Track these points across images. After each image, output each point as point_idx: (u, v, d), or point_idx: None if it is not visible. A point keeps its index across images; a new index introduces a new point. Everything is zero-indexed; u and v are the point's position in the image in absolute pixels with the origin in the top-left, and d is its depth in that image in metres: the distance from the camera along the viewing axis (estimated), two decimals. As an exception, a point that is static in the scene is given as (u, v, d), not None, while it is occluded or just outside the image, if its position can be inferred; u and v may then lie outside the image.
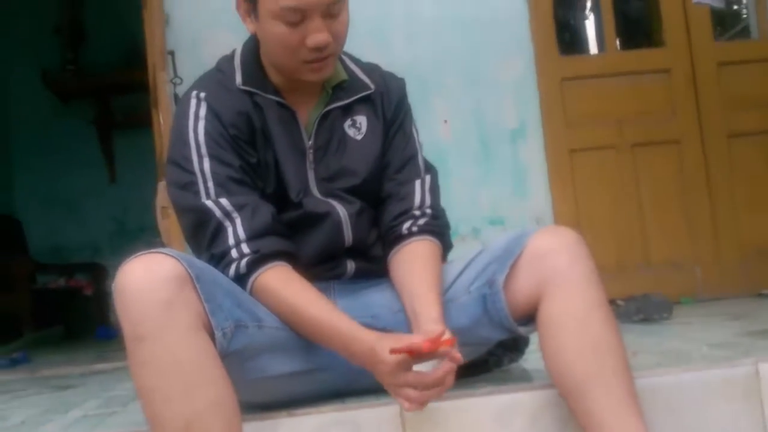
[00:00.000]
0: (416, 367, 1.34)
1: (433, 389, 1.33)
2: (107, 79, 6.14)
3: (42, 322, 5.30)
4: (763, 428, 1.52)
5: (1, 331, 4.87)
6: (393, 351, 1.30)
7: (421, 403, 1.35)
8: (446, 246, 1.63)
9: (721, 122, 3.42)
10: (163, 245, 2.86)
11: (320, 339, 1.42)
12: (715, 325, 2.35)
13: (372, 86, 1.65)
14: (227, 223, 1.48)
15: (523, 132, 3.37)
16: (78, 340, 5.10)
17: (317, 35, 1.45)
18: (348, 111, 1.63)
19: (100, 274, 6.03)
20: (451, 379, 1.33)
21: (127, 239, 6.46)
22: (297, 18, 1.45)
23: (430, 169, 1.68)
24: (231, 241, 1.47)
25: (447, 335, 1.33)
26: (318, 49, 1.47)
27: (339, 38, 1.51)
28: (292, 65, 1.52)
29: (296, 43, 1.47)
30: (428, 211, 1.61)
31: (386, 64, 1.76)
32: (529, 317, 1.46)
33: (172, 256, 1.25)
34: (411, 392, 1.33)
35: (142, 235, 6.27)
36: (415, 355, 1.31)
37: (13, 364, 3.52)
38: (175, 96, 2.94)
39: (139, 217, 6.31)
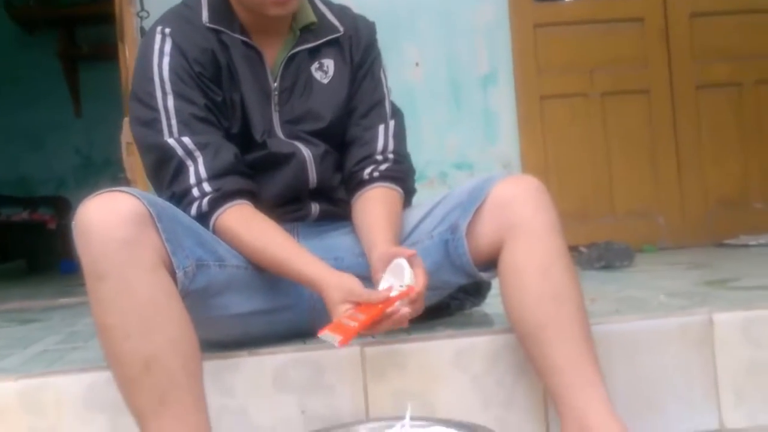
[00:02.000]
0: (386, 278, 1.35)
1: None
2: (73, 9, 5.99)
3: (4, 256, 5.26)
4: (713, 376, 1.56)
5: (-37, 263, 4.83)
6: (319, 333, 1.29)
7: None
8: (408, 191, 1.63)
9: (691, 73, 3.43)
10: (128, 181, 2.83)
11: (278, 273, 1.43)
12: (674, 274, 2.39)
13: (341, 29, 1.63)
14: (189, 162, 1.47)
15: (494, 77, 3.36)
16: (41, 274, 5.07)
17: None
18: (315, 54, 1.61)
19: (64, 208, 5.97)
20: (405, 318, 1.33)
21: (93, 173, 6.39)
22: None
23: (396, 113, 1.67)
24: (192, 179, 1.46)
25: (396, 292, 1.33)
26: None
27: None
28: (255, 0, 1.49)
29: None
30: (390, 156, 1.61)
31: (359, 6, 1.73)
32: (491, 263, 1.47)
33: (133, 195, 1.24)
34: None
35: (107, 169, 6.20)
36: (361, 329, 1.29)
37: (-26, 297, 3.49)
38: (142, 29, 2.88)
39: (104, 151, 6.22)
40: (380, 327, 1.32)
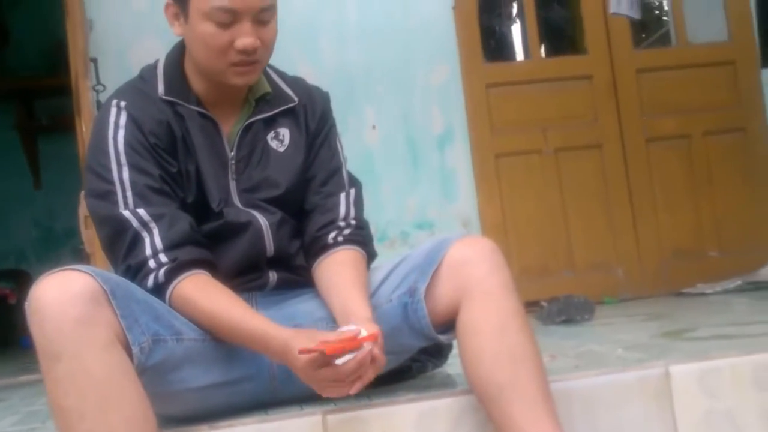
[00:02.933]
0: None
1: (350, 381, 1.33)
2: (31, 82, 5.99)
3: (-36, 332, 5.15)
4: (673, 427, 1.58)
5: None
6: (301, 351, 1.30)
7: (340, 394, 1.36)
8: (371, 255, 1.64)
9: (640, 127, 3.53)
10: (87, 254, 2.81)
11: (239, 340, 1.43)
12: (633, 326, 2.42)
13: (295, 99, 1.66)
14: (144, 233, 1.47)
15: (450, 137, 3.42)
16: (2, 348, 4.96)
17: (246, 38, 1.47)
18: (271, 123, 1.63)
19: (24, 282, 5.87)
20: (370, 371, 1.33)
21: (54, 246, 6.31)
22: (228, 19, 1.46)
23: (354, 182, 1.69)
24: (148, 251, 1.46)
25: (365, 333, 1.33)
26: (246, 52, 1.48)
27: (267, 45, 1.52)
28: (218, 67, 1.52)
29: (225, 44, 1.47)
30: (353, 222, 1.63)
31: (315, 70, 1.78)
32: (450, 325, 1.49)
33: (86, 273, 1.24)
34: (330, 384, 1.34)
35: (68, 240, 6.13)
36: (330, 352, 1.30)
37: (-69, 377, 3.40)
38: (98, 103, 2.89)
39: (65, 222, 6.15)
40: (365, 377, 1.33)
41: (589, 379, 1.61)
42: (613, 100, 3.51)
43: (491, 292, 1.43)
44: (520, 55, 4.21)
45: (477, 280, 1.43)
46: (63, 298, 1.19)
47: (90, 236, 2.60)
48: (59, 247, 6.30)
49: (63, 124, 5.42)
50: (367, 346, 1.32)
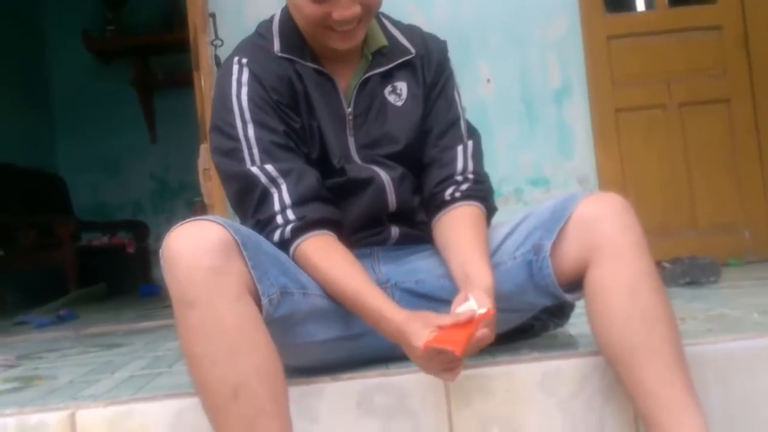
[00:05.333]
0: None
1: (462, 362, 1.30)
2: (147, 39, 6.16)
3: (86, 280, 5.40)
4: (815, 398, 1.49)
5: (47, 288, 4.97)
6: (426, 348, 1.27)
7: (449, 379, 1.34)
8: (490, 210, 1.61)
9: (771, 80, 3.32)
10: (204, 206, 2.88)
11: (353, 311, 1.42)
12: (765, 289, 2.30)
13: (412, 50, 1.62)
14: (273, 189, 1.47)
15: (567, 91, 3.32)
16: (121, 298, 5.19)
17: (344, 11, 1.43)
18: (388, 77, 1.61)
19: (142, 232, 6.12)
20: (486, 340, 1.30)
21: (168, 198, 6.55)
22: None
23: (473, 133, 1.65)
24: (277, 206, 1.47)
25: (481, 309, 1.30)
26: (345, 23, 1.45)
27: (370, 7, 1.48)
28: (318, 34, 1.50)
29: (320, 16, 1.45)
30: (470, 176, 1.59)
31: (428, 25, 1.72)
32: (575, 284, 1.44)
33: (219, 223, 1.25)
34: (439, 370, 1.32)
35: (183, 193, 6.35)
36: (458, 351, 1.25)
37: (59, 321, 3.59)
38: (216, 58, 2.93)
39: (179, 176, 6.37)
40: (467, 351, 1.29)
41: (724, 344, 1.53)
42: (743, 52, 3.32)
43: (622, 251, 1.37)
44: (642, 5, 4.03)
45: (607, 238, 1.38)
46: (197, 248, 1.20)
47: (209, 189, 2.65)
48: (173, 198, 6.53)
49: (179, 79, 5.58)
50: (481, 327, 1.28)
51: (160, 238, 1.25)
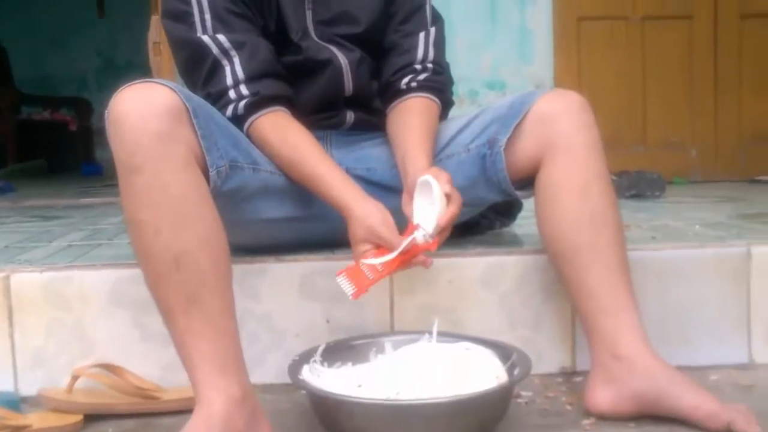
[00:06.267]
0: None
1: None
2: None
3: (25, 155, 5.25)
4: (746, 310, 1.53)
5: (-15, 159, 4.83)
6: (338, 274, 1.28)
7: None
8: (446, 103, 1.58)
9: (736, 1, 3.30)
10: (153, 83, 2.78)
11: (307, 185, 1.39)
12: (708, 206, 2.34)
13: None
14: (225, 62, 1.42)
15: (532, -6, 3.25)
16: (61, 175, 5.06)
17: None
18: None
19: (85, 110, 5.94)
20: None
21: (114, 75, 6.34)
22: None
23: (437, 20, 1.61)
24: (229, 80, 1.42)
25: (422, 238, 1.28)
26: None
27: None
28: None
29: None
30: (429, 66, 1.55)
31: None
32: (526, 181, 1.43)
33: (169, 87, 1.19)
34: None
35: (129, 72, 6.12)
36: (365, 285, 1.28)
37: (-3, 192, 3.50)
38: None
39: (127, 53, 6.18)
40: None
41: (666, 251, 1.55)
42: (709, -32, 3.28)
43: (577, 151, 1.36)
44: None
45: (563, 136, 1.36)
46: (145, 112, 1.15)
47: (158, 64, 2.56)
48: (120, 77, 6.32)
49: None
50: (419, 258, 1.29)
51: (103, 117, 1.19)
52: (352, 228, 1.31)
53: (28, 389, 1.43)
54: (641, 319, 1.30)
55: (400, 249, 1.27)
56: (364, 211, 1.31)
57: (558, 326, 1.52)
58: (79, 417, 1.30)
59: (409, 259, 1.28)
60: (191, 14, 1.43)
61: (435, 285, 1.50)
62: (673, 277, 1.52)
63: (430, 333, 1.32)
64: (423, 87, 1.53)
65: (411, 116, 1.49)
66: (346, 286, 1.27)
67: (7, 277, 1.45)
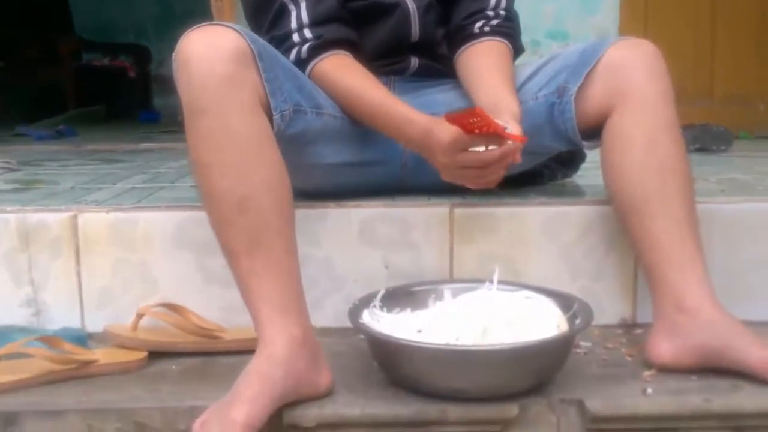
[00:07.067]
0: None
1: (491, 169, 1.27)
2: None
3: (85, 101, 5.32)
4: (820, 266, 1.49)
5: (46, 104, 4.91)
6: (448, 117, 1.24)
7: (480, 183, 1.31)
8: (517, 50, 1.56)
9: (813, -51, 3.16)
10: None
11: (375, 122, 1.38)
12: (777, 161, 2.27)
13: None
14: (291, 6, 1.43)
15: (598, -59, 3.15)
16: (120, 121, 5.12)
17: None
18: None
19: (144, 57, 5.98)
20: (501, 171, 1.28)
21: (173, 24, 6.35)
22: None
23: None
24: (294, 24, 1.42)
25: (515, 131, 1.26)
26: None
27: None
28: None
29: None
30: (502, 12, 1.54)
31: None
32: (593, 131, 1.41)
33: (236, 30, 1.19)
34: (468, 172, 1.29)
35: (187, 20, 6.14)
36: (470, 130, 1.24)
37: (58, 136, 3.56)
38: None
39: (186, 1, 6.17)
40: (492, 169, 1.26)
41: (736, 204, 1.52)
42: None
43: (648, 100, 1.33)
44: None
45: (635, 84, 1.34)
46: (211, 55, 1.15)
47: (221, 8, 2.55)
48: (178, 25, 6.34)
49: None
50: (512, 144, 1.25)
51: (162, 65, 1.20)
52: (438, 126, 1.26)
53: (94, 326, 1.46)
54: (707, 272, 1.27)
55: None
56: (443, 122, 1.27)
57: (619, 278, 1.50)
58: (144, 353, 1.34)
59: (506, 135, 1.24)
60: None
61: (495, 234, 1.49)
62: (743, 232, 1.49)
63: (491, 281, 1.32)
64: (496, 32, 1.51)
65: (490, 57, 1.48)
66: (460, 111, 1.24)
67: (75, 217, 1.48)
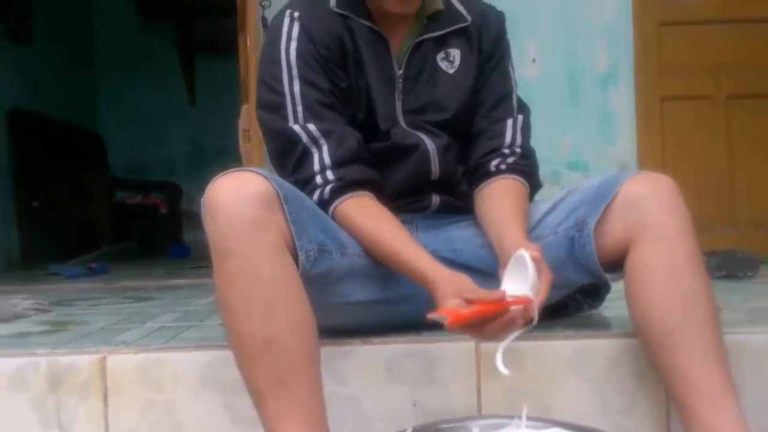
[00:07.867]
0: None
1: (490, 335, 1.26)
2: (191, 2, 6.16)
3: (118, 237, 5.44)
4: None
5: (80, 241, 5.02)
6: (429, 318, 1.21)
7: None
8: (534, 186, 1.60)
9: (823, 78, 3.25)
10: (242, 168, 2.87)
11: (392, 268, 1.41)
12: (804, 288, 2.26)
13: (469, 18, 1.61)
14: (314, 149, 1.47)
15: (614, 76, 3.27)
16: (151, 257, 5.22)
17: None
18: (442, 43, 1.59)
19: (175, 193, 6.17)
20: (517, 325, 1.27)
21: (203, 162, 6.57)
22: None
23: (523, 108, 1.64)
24: (316, 167, 1.46)
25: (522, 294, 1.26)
26: None
27: None
28: None
29: None
30: (518, 150, 1.58)
31: (480, 0, 1.70)
32: (615, 263, 1.42)
33: (262, 175, 1.24)
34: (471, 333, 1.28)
35: (218, 158, 6.34)
36: (461, 320, 1.22)
37: (91, 273, 3.63)
38: (263, 19, 2.92)
39: (216, 140, 6.38)
40: (489, 330, 1.26)
41: (765, 335, 1.50)
42: (797, 47, 3.24)
43: (668, 234, 1.34)
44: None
45: (654, 218, 1.35)
46: (239, 199, 1.20)
47: (248, 150, 2.65)
48: (208, 163, 6.55)
49: (219, 45, 5.59)
50: (513, 311, 1.24)
51: (192, 201, 1.25)
52: (439, 287, 1.28)
53: (120, 469, 1.45)
54: (739, 404, 1.25)
55: (490, 299, 1.24)
56: (451, 274, 1.30)
57: (652, 413, 1.47)
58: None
59: (506, 306, 1.24)
60: (284, 106, 1.49)
61: (523, 369, 1.48)
62: (773, 363, 1.47)
63: (519, 417, 1.30)
64: (512, 170, 1.55)
65: (503, 196, 1.51)
66: (440, 318, 1.21)
67: (104, 359, 1.49)
